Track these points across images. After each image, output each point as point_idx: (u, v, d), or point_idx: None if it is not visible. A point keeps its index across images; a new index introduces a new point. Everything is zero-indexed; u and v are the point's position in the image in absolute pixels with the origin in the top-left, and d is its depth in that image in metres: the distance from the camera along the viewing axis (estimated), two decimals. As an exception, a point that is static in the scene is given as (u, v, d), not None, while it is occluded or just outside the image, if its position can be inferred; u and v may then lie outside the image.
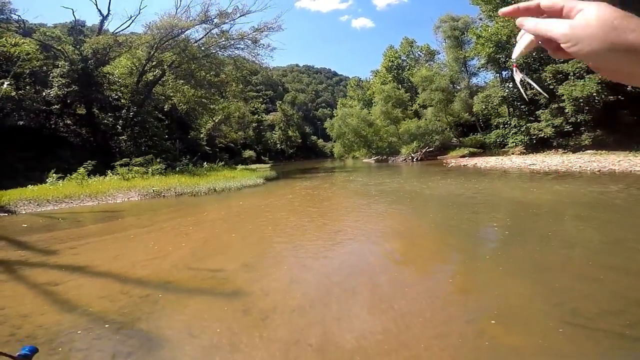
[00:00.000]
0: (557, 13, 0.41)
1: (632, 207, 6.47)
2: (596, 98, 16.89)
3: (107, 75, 20.55)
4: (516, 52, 0.50)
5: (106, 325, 2.87)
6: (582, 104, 17.57)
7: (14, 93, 17.48)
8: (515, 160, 18.67)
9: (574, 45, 0.38)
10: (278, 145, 68.94)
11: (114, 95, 21.05)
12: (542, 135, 20.68)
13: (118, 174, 15.03)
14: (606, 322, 2.53)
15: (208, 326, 2.84)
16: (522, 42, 0.48)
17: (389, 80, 41.81)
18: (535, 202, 7.60)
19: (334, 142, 47.45)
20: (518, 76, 0.55)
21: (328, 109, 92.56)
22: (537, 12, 0.44)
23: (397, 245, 5.24)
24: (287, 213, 8.35)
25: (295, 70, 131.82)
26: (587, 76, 17.88)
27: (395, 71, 43.73)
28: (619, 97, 16.68)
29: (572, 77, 18.70)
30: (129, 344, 2.60)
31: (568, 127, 19.15)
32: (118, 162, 15.90)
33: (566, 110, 18.73)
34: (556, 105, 19.78)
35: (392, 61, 44.42)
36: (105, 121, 21.03)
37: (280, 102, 74.88)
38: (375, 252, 4.83)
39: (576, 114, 18.09)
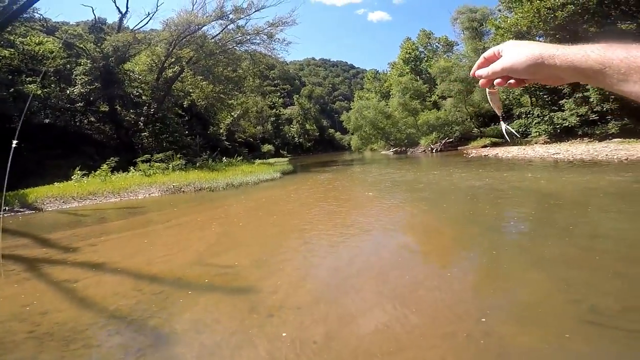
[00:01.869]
0: (495, 58, 0.60)
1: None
2: (622, 87, 16.24)
3: (128, 72, 21.09)
4: (497, 109, 0.69)
5: (119, 322, 2.94)
6: (607, 93, 16.79)
7: (39, 92, 18.15)
8: (539, 150, 18.01)
9: (512, 72, 0.57)
10: (296, 139, 69.26)
11: (135, 92, 21.63)
12: (567, 125, 20.10)
13: (140, 170, 15.45)
14: (627, 320, 2.37)
15: (215, 323, 2.87)
16: (494, 99, 0.67)
17: (407, 72, 41.04)
18: (558, 192, 7.29)
19: (352, 134, 47.13)
20: (504, 126, 0.74)
21: (345, 101, 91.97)
22: (487, 63, 0.62)
23: (410, 239, 5.14)
24: (301, 207, 8.34)
25: (311, 64, 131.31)
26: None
27: (412, 63, 42.98)
28: (647, 85, 15.85)
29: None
30: (139, 340, 2.66)
31: (594, 115, 18.48)
32: (140, 158, 16.35)
33: (591, 99, 18.08)
34: (580, 95, 19.14)
35: (410, 53, 43.68)
36: (128, 118, 21.67)
37: (297, 96, 74.97)
38: (388, 246, 4.75)
39: (602, 103, 17.39)
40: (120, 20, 22.85)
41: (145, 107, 21.30)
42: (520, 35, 22.40)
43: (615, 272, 3.14)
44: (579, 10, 19.17)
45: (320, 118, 79.72)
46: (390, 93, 42.57)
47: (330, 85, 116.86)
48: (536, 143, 21.76)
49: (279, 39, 23.19)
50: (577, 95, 19.42)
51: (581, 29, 19.86)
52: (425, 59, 42.44)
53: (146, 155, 16.80)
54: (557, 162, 12.98)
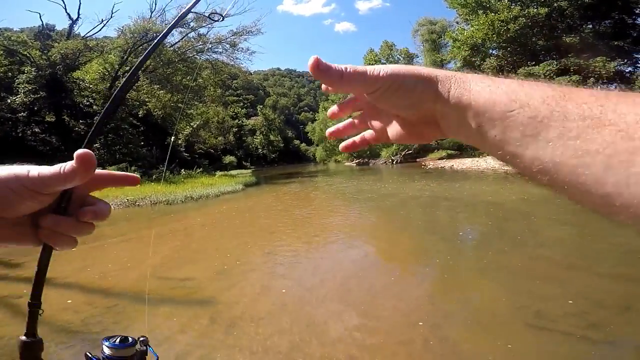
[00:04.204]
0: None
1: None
2: (565, 98, 17.61)
3: (78, 80, 19.94)
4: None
5: (70, 335, 2.80)
6: None
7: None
8: (490, 162, 19.20)
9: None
10: (260, 150, 68.51)
11: (85, 101, 20.42)
12: (516, 137, 21.53)
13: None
14: (569, 324, 2.55)
15: (174, 335, 2.78)
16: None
17: (369, 84, 42.31)
18: (508, 203, 7.80)
19: (316, 146, 47.64)
20: None
21: (310, 112, 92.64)
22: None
23: (370, 249, 5.31)
24: (264, 219, 8.30)
25: (276, 74, 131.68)
26: (557, 79, 18.66)
27: (374, 75, 44.14)
28: (588, 97, 17.51)
29: (543, 79, 19.46)
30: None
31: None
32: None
33: None
34: None
35: (372, 64, 44.87)
36: (77, 129, 20.35)
37: (261, 106, 74.51)
38: (349, 256, 4.86)
39: (548, 114, 18.92)
40: (71, 26, 21.73)
41: (96, 117, 20.16)
42: (475, 48, 23.85)
43: (556, 279, 3.41)
44: (530, 23, 20.78)
45: (285, 129, 79.73)
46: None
47: (296, 96, 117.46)
48: (488, 155, 23.22)
49: (242, 48, 23.12)
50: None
51: (530, 42, 21.65)
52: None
53: (97, 168, 15.86)
54: (506, 174, 13.92)
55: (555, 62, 19.58)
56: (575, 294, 3.02)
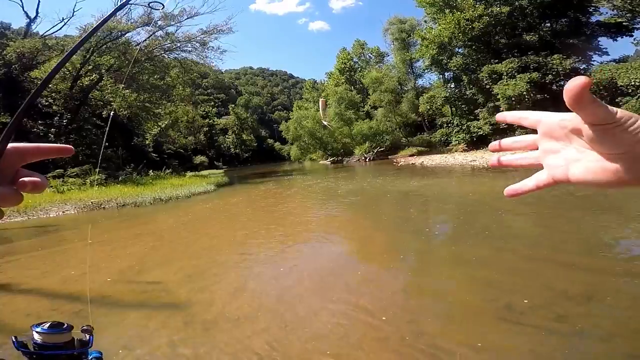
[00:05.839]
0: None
1: (558, 199, 7.03)
2: (526, 96, 18.48)
3: (36, 80, 18.82)
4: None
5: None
6: (514, 102, 18.90)
7: None
8: (458, 157, 19.90)
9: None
10: (232, 150, 67.19)
11: (44, 101, 19.30)
12: (481, 133, 22.28)
13: (51, 186, 13.83)
14: (537, 316, 2.60)
15: (146, 339, 2.72)
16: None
17: (342, 82, 42.59)
18: (476, 197, 8.05)
19: (291, 144, 47.32)
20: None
21: (284, 111, 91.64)
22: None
23: (346, 246, 5.37)
24: (236, 219, 8.21)
25: (249, 73, 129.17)
26: (518, 76, 19.51)
27: (347, 73, 44.56)
28: (545, 95, 18.49)
29: (505, 77, 20.35)
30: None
31: (503, 124, 20.76)
32: (50, 174, 14.70)
33: (501, 108, 20.14)
34: (492, 104, 21.36)
35: (345, 63, 45.16)
36: (35, 129, 19.20)
37: (233, 105, 73.08)
38: (325, 254, 4.88)
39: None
40: (28, 25, 20.50)
41: (56, 118, 19.12)
42: (442, 46, 24.54)
43: (523, 270, 3.53)
44: (493, 22, 21.64)
45: (259, 128, 78.47)
46: (327, 103, 43.78)
47: (269, 95, 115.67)
48: (456, 151, 23.97)
49: (212, 47, 22.64)
50: (490, 105, 21.70)
51: (494, 40, 22.62)
52: (359, 69, 44.35)
53: (58, 170, 15.11)
54: (474, 169, 14.52)
55: (517, 60, 20.51)
56: (541, 285, 3.10)
